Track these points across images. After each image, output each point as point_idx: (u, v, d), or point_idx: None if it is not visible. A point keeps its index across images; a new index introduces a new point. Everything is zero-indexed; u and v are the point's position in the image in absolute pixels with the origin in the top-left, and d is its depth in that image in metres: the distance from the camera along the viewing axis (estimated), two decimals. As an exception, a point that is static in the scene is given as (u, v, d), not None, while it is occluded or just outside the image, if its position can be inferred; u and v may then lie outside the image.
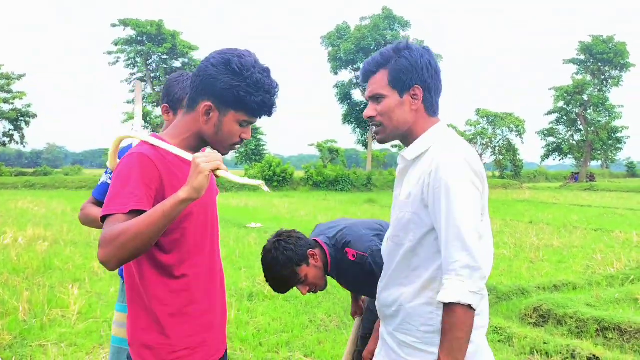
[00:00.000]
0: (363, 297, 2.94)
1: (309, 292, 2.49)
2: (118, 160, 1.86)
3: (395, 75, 1.75)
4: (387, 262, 1.88)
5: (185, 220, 1.65)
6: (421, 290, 1.73)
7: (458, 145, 1.71)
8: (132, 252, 1.47)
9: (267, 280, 2.48)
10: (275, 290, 2.49)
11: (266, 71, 1.66)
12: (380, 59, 1.79)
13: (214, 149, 1.73)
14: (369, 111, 1.82)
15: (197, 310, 1.72)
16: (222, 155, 1.75)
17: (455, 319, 1.57)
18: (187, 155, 1.62)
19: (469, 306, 1.56)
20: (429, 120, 1.80)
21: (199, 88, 1.65)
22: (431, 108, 1.80)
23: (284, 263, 2.39)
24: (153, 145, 1.64)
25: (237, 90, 1.60)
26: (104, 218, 1.54)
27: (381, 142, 1.89)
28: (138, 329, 1.68)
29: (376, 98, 1.79)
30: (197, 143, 1.73)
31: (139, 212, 1.51)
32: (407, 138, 1.81)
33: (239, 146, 1.76)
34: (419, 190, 1.70)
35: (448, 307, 1.58)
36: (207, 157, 1.52)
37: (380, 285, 1.93)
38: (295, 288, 2.49)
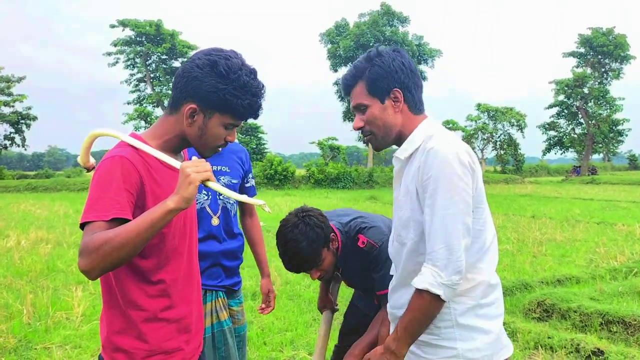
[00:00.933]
0: (333, 291, 2.90)
1: (318, 278, 2.40)
2: (92, 159, 1.82)
3: (372, 84, 1.79)
4: (395, 263, 1.90)
5: (164, 226, 1.60)
6: None
7: (445, 138, 1.72)
8: (116, 261, 1.43)
9: (284, 256, 2.32)
10: (289, 267, 2.33)
11: (253, 73, 1.63)
12: (355, 72, 1.83)
13: (197, 151, 1.69)
14: (357, 123, 1.86)
15: (173, 315, 1.69)
16: (206, 157, 1.71)
17: (421, 303, 1.65)
18: (174, 163, 1.59)
19: (438, 296, 1.62)
20: (416, 118, 1.83)
21: (183, 89, 1.60)
22: (415, 106, 1.83)
23: (312, 240, 2.26)
24: (134, 147, 1.59)
25: (223, 93, 1.56)
26: (83, 225, 1.48)
27: (377, 149, 1.92)
28: (113, 332, 1.64)
29: (360, 109, 1.83)
30: (179, 145, 1.69)
31: (121, 220, 1.46)
32: (400, 140, 1.84)
33: (221, 149, 1.72)
34: (413, 186, 1.73)
35: (419, 291, 1.65)
36: (197, 167, 1.48)
37: (390, 287, 1.93)
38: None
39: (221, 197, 2.63)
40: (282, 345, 4.58)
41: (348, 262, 2.48)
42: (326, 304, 2.89)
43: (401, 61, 1.80)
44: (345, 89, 1.89)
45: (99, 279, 1.54)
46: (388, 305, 1.95)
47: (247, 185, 2.80)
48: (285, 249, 2.30)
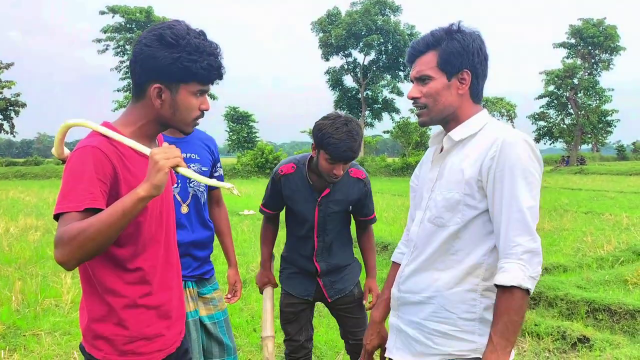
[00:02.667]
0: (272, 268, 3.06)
1: (335, 178, 2.60)
2: (66, 150, 1.81)
3: (446, 58, 1.70)
4: (421, 245, 1.79)
5: (139, 214, 1.58)
6: (465, 275, 1.68)
7: (513, 130, 1.68)
8: (91, 251, 1.43)
9: (353, 142, 2.49)
10: (351, 146, 2.49)
11: (202, 34, 1.60)
12: (431, 40, 1.73)
13: (178, 130, 1.67)
14: (413, 92, 1.77)
15: (153, 302, 1.68)
16: (188, 133, 1.70)
17: (513, 302, 1.55)
18: (144, 150, 1.57)
19: (527, 290, 1.55)
20: (474, 106, 1.77)
21: (141, 73, 1.58)
22: (476, 94, 1.77)
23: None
24: (106, 136, 1.56)
25: (180, 61, 1.53)
26: (57, 216, 1.48)
27: (423, 124, 1.83)
28: (93, 320, 1.63)
29: (422, 79, 1.74)
30: (154, 130, 1.67)
31: (94, 210, 1.46)
32: (450, 122, 1.77)
33: (201, 119, 1.69)
34: (475, 170, 1.65)
35: (507, 290, 1.55)
36: (167, 153, 1.46)
37: (406, 270, 1.85)
38: None
39: (191, 184, 2.60)
40: (271, 332, 4.59)
41: (337, 185, 2.73)
42: (270, 279, 3.04)
43: (480, 45, 1.72)
44: (412, 53, 1.78)
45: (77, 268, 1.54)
46: (396, 289, 1.88)
47: (216, 174, 2.78)
48: (352, 135, 2.49)
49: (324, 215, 2.75)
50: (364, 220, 2.95)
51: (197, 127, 1.75)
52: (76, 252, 1.41)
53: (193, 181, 2.59)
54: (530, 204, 1.58)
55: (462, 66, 1.71)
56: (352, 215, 2.91)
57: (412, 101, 1.79)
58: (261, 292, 3.07)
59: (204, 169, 2.65)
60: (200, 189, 2.65)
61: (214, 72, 1.61)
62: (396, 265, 2.06)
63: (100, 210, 1.46)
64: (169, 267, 1.76)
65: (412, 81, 1.81)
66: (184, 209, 2.59)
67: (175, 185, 2.55)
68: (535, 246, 1.57)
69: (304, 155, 2.82)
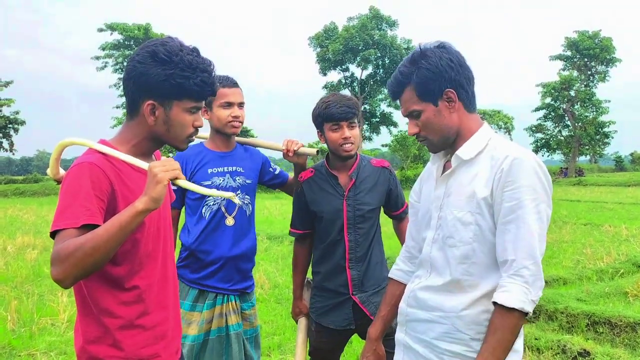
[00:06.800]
0: (305, 297, 2.87)
1: (349, 140, 2.57)
2: (61, 170, 1.80)
3: (422, 89, 1.69)
4: (433, 265, 1.77)
5: (137, 231, 1.58)
6: (479, 298, 1.65)
7: (518, 147, 1.66)
8: (88, 268, 1.41)
9: (346, 100, 2.55)
10: (349, 110, 2.53)
11: (195, 51, 1.60)
12: (401, 77, 1.73)
13: (172, 146, 1.68)
14: (411, 129, 1.76)
15: (149, 322, 1.66)
16: (182, 150, 1.70)
17: (509, 322, 1.53)
18: (142, 164, 1.56)
19: (526, 314, 1.54)
20: (472, 117, 1.75)
21: (134, 90, 1.58)
22: (469, 103, 1.74)
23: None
24: (103, 153, 1.56)
25: (172, 78, 1.54)
26: (54, 233, 1.46)
27: (434, 152, 1.83)
28: (88, 340, 1.61)
29: (413, 115, 1.74)
30: (149, 147, 1.67)
31: (92, 227, 1.44)
32: (457, 141, 1.74)
33: (195, 137, 1.69)
34: (486, 190, 1.62)
35: (505, 310, 1.53)
36: (165, 166, 1.46)
37: (417, 287, 1.81)
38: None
39: (238, 196, 2.63)
40: (269, 349, 4.56)
41: (361, 176, 2.65)
42: (301, 310, 2.87)
43: (448, 58, 1.68)
44: (393, 95, 1.79)
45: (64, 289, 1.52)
46: (405, 304, 1.84)
47: (277, 172, 2.90)
48: (340, 94, 2.64)
49: (353, 210, 2.60)
50: (399, 215, 2.83)
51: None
52: (73, 269, 1.39)
53: (238, 194, 2.64)
54: (538, 226, 1.57)
55: (442, 87, 1.68)
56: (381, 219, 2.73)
57: (415, 137, 1.79)
58: (296, 322, 2.91)
59: (247, 181, 2.70)
60: (246, 201, 2.69)
61: (207, 88, 1.61)
62: (394, 282, 2.03)
63: (97, 226, 1.44)
64: (165, 284, 1.74)
65: (407, 118, 1.80)
66: (230, 221, 2.61)
67: (221, 198, 2.56)
68: (539, 270, 1.55)
69: (320, 161, 2.79)
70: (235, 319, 2.63)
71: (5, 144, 43.10)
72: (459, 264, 1.68)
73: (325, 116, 2.55)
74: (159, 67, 1.53)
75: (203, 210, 2.59)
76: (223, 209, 2.60)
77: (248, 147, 2.82)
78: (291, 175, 2.91)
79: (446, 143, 1.76)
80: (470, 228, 1.65)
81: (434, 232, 1.78)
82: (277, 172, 2.90)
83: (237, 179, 2.66)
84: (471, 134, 1.73)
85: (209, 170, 2.60)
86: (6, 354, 4.45)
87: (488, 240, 1.64)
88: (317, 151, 2.67)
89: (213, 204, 2.59)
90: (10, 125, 42.54)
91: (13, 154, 44.96)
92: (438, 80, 1.67)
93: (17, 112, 42.72)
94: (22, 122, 43.05)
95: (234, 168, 2.67)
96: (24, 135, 47.52)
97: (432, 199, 1.82)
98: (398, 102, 1.80)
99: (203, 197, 2.57)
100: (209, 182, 2.58)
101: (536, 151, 49.48)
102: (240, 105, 2.64)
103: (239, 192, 2.64)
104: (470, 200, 1.65)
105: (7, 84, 42.15)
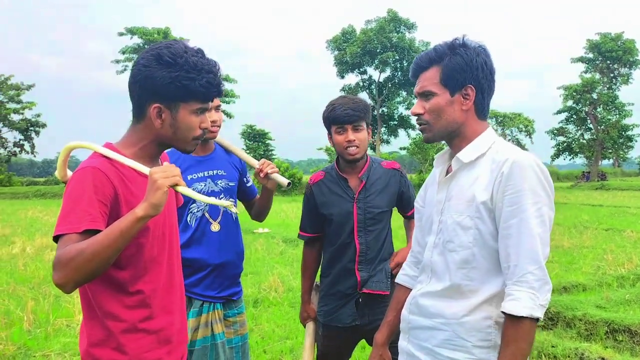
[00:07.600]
0: (314, 301, 2.84)
1: (353, 144, 2.56)
2: (69, 172, 1.80)
3: (448, 73, 1.67)
4: (434, 270, 1.74)
5: (141, 235, 1.57)
6: (481, 304, 1.62)
7: (520, 150, 1.63)
8: (89, 273, 1.40)
9: (352, 103, 2.57)
10: (353, 113, 2.54)
11: (199, 52, 1.59)
12: (434, 55, 1.70)
13: (179, 149, 1.67)
14: (417, 108, 1.74)
15: (153, 326, 1.65)
16: (189, 152, 1.69)
17: (522, 331, 1.51)
18: (144, 169, 1.56)
19: (537, 319, 1.51)
20: (479, 123, 1.72)
21: (140, 94, 1.58)
22: (482, 110, 1.72)
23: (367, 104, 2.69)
24: (107, 157, 1.56)
25: (178, 80, 1.53)
26: (56, 238, 1.46)
27: (427, 140, 1.79)
28: (92, 343, 1.60)
29: (425, 95, 1.72)
30: (155, 150, 1.67)
31: (94, 232, 1.43)
32: (454, 139, 1.73)
33: (202, 138, 1.69)
34: (486, 194, 1.60)
35: (515, 319, 1.51)
36: (165, 172, 1.45)
37: (418, 293, 1.79)
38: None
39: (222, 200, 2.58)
40: (282, 353, 4.53)
41: (372, 178, 2.63)
42: (309, 314, 2.84)
43: (484, 59, 1.68)
44: (416, 69, 1.75)
45: (78, 291, 1.52)
46: (407, 311, 1.82)
47: (249, 185, 2.82)
48: (349, 96, 2.66)
49: (364, 213, 2.59)
50: (411, 216, 2.77)
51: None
52: (74, 274, 1.39)
53: (222, 197, 2.57)
54: (541, 229, 1.53)
55: (466, 82, 1.67)
56: (392, 222, 2.72)
57: (416, 117, 1.76)
58: (304, 326, 2.90)
59: (230, 184, 2.64)
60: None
61: (213, 89, 1.60)
62: (401, 288, 2.01)
63: (99, 231, 1.44)
64: (171, 290, 1.73)
65: (416, 97, 1.77)
66: (215, 227, 2.56)
67: (204, 204, 2.52)
68: (544, 273, 1.52)
69: (330, 165, 2.77)
70: (221, 327, 2.57)
71: (27, 146, 43.89)
72: (459, 268, 1.65)
73: (331, 119, 2.56)
74: (164, 70, 1.53)
75: (188, 218, 2.53)
76: (207, 215, 2.53)
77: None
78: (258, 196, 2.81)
79: (443, 136, 1.74)
80: (470, 232, 1.63)
81: (434, 237, 1.76)
82: (249, 185, 2.82)
83: (219, 182, 2.59)
84: (475, 137, 1.71)
85: (189, 177, 2.53)
86: (22, 354, 4.49)
87: (488, 244, 1.61)
88: (289, 183, 2.56)
89: (197, 211, 2.53)
90: (32, 128, 43.34)
91: (35, 156, 45.76)
92: (466, 72, 1.66)
93: (38, 115, 43.55)
94: (44, 125, 43.84)
95: (215, 172, 2.60)
96: (45, 137, 48.38)
97: (434, 203, 1.79)
98: (415, 79, 1.77)
99: (187, 205, 2.50)
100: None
101: (558, 154, 48.94)
102: (217, 108, 2.58)
103: (222, 195, 2.57)
104: (470, 204, 1.63)
105: (28, 87, 42.91)
